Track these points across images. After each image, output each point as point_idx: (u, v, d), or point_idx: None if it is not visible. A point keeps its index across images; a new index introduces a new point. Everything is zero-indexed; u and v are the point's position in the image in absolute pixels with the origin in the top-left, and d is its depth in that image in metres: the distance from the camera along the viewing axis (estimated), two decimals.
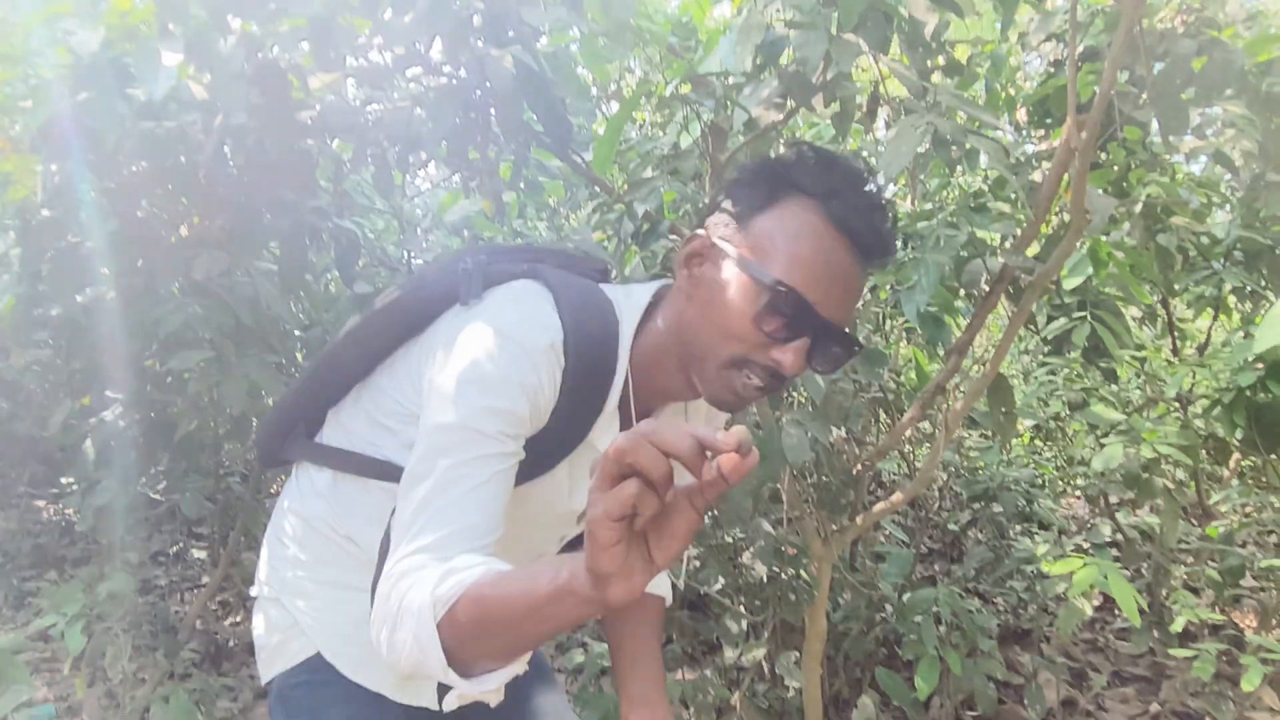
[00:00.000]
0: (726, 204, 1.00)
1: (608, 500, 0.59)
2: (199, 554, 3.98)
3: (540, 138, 1.72)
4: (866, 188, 0.97)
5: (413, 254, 2.73)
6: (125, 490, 2.36)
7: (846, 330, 0.97)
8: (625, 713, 1.24)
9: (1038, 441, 3.73)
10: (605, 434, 1.06)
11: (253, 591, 1.23)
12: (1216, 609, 2.91)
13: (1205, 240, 2.57)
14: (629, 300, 1.06)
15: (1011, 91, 2.50)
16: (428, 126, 1.57)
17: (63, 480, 4.41)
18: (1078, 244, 2.20)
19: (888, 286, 2.19)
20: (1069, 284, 2.55)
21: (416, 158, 1.72)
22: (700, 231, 1.01)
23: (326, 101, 1.70)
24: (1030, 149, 2.60)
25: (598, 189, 1.93)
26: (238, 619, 3.44)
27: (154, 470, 3.35)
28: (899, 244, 2.54)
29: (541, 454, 1.02)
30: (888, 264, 1.03)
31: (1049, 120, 2.43)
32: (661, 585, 1.35)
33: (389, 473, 1.08)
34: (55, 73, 1.44)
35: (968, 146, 1.51)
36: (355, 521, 1.12)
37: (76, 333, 1.99)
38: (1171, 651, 2.27)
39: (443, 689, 0.90)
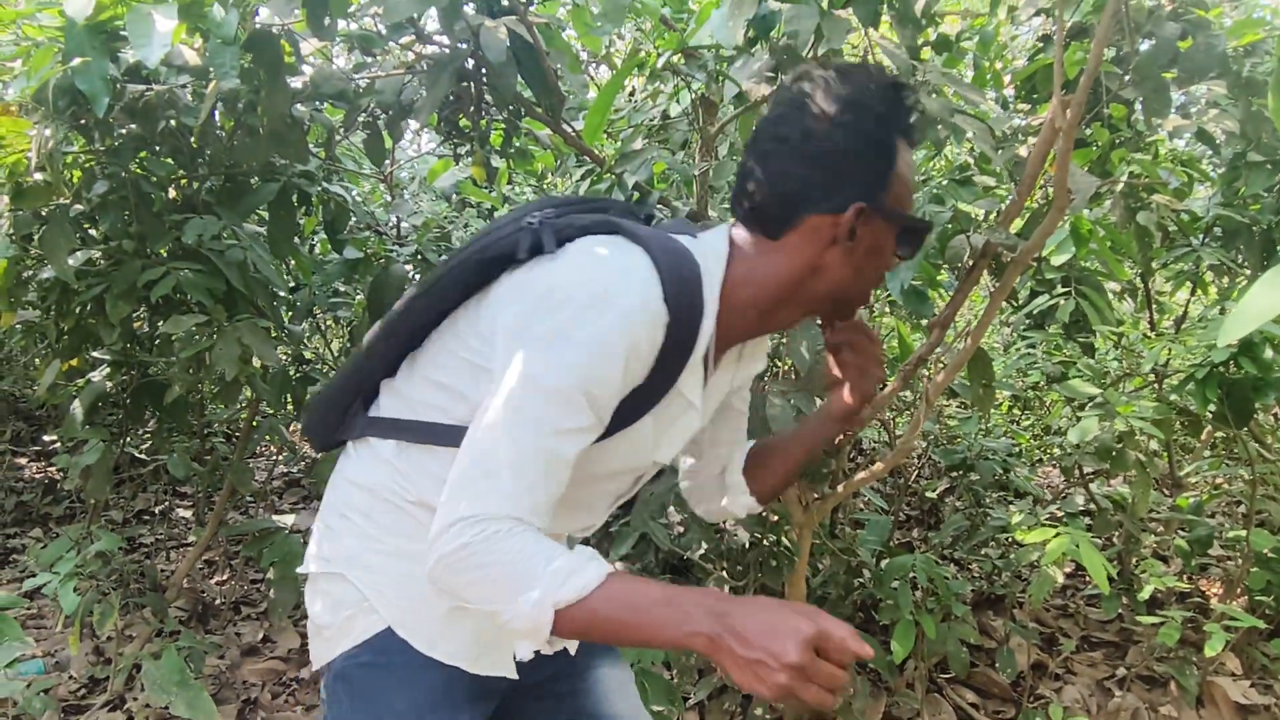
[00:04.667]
0: (859, 171, 1.02)
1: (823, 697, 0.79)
2: (184, 513, 4.00)
3: (532, 107, 1.73)
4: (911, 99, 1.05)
5: (401, 218, 2.73)
6: (111, 450, 2.37)
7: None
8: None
9: (1015, 411, 3.79)
10: (690, 382, 1.07)
11: (308, 568, 1.16)
12: (1184, 578, 3.00)
13: (1185, 217, 2.61)
14: (708, 249, 1.05)
15: (999, 66, 2.51)
16: (420, 94, 1.57)
17: (45, 438, 4.42)
18: (1060, 221, 2.23)
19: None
20: (1055, 260, 2.59)
21: (407, 125, 1.72)
22: (860, 204, 1.01)
23: (318, 67, 1.69)
24: (1018, 123, 2.62)
25: (587, 158, 1.94)
26: (224, 578, 3.48)
27: (139, 431, 3.37)
28: None
29: (630, 408, 1.02)
30: None
31: (1035, 95, 2.45)
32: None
33: (460, 438, 1.01)
34: (46, 35, 1.43)
35: (954, 124, 1.53)
36: (425, 486, 1.07)
37: (66, 295, 1.99)
38: (1139, 618, 2.34)
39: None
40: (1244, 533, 2.51)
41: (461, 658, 1.09)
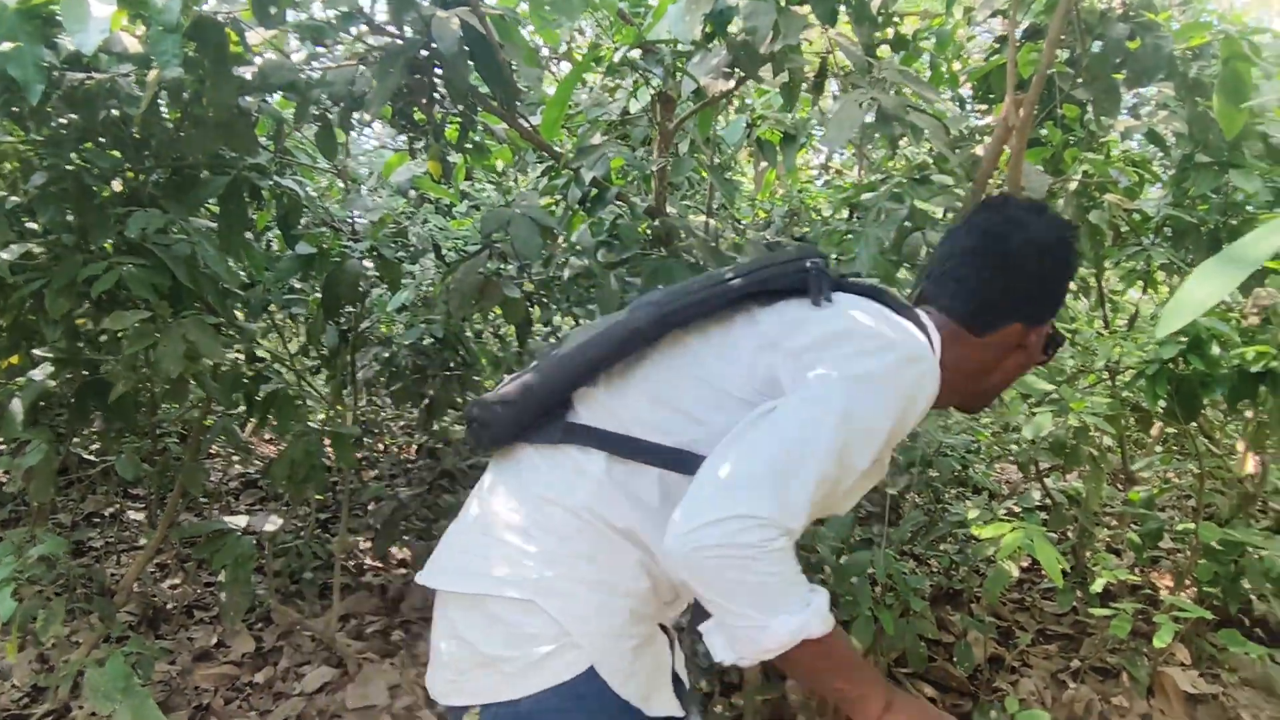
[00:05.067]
0: (1055, 294, 1.20)
1: None
2: (136, 515, 3.90)
3: (487, 100, 1.70)
4: None
5: (357, 214, 2.68)
6: (56, 451, 2.30)
7: None
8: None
9: None
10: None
11: (468, 586, 1.06)
12: (1135, 570, 3.05)
13: (1136, 217, 2.66)
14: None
15: (956, 67, 2.53)
16: (371, 86, 1.54)
17: None
18: None
19: (833, 257, 2.23)
20: None
21: (360, 117, 1.69)
22: (1052, 320, 1.21)
23: (266, 58, 1.65)
24: (975, 122, 2.65)
25: (545, 154, 1.91)
26: (176, 581, 3.40)
27: (87, 431, 3.28)
28: (845, 215, 2.58)
29: None
30: None
31: (991, 95, 2.48)
32: None
33: (680, 462, 1.03)
34: None
35: (909, 122, 1.54)
36: (630, 512, 1.03)
37: (3, 289, 1.92)
38: (1092, 611, 2.38)
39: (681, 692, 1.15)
40: (1193, 525, 2.56)
41: (640, 698, 1.05)
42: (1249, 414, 2.74)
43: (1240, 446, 2.94)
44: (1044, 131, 2.30)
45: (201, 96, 1.60)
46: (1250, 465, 2.87)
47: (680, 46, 1.73)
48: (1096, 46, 1.88)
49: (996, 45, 2.49)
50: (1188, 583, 2.72)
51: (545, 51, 2.79)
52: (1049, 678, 2.64)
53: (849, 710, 1.00)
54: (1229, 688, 2.52)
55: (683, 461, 1.03)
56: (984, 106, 2.64)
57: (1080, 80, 1.84)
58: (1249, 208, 2.54)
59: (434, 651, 1.11)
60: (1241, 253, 0.59)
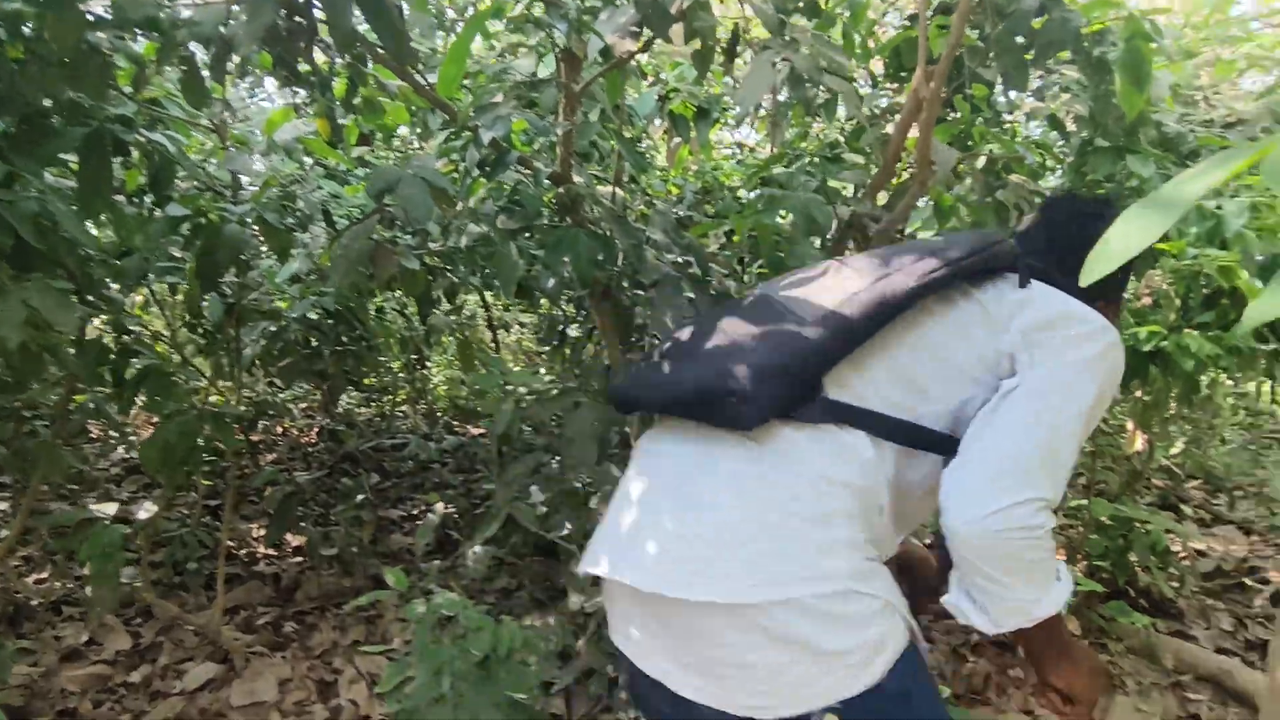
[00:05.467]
0: (1120, 278, 1.32)
1: None
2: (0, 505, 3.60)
3: (376, 50, 1.57)
4: None
5: (243, 178, 2.48)
6: None
7: None
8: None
9: None
10: None
11: (780, 593, 0.96)
12: None
13: (1039, 199, 2.71)
14: None
15: (870, 44, 2.51)
16: (245, 27, 1.39)
17: None
18: (924, 195, 2.26)
19: (746, 233, 2.18)
20: (921, 235, 2.63)
21: (232, 63, 1.54)
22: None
23: None
24: (884, 102, 2.64)
25: (443, 113, 1.79)
26: (42, 575, 3.14)
27: None
28: (757, 191, 2.54)
29: None
30: None
31: (903, 74, 2.47)
32: None
33: (912, 437, 1.07)
34: None
35: (823, 91, 1.49)
36: (886, 490, 1.05)
37: None
38: None
39: None
40: (1085, 502, 2.64)
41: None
42: (1138, 393, 2.84)
43: (1129, 425, 3.05)
44: (956, 114, 2.30)
45: (43, 31, 1.42)
46: (1138, 443, 2.97)
47: (587, 2, 1.64)
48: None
49: (908, 23, 2.48)
50: (1079, 557, 2.80)
51: (450, 14, 2.65)
52: (949, 652, 2.68)
53: (1044, 659, 1.10)
54: (1115, 656, 2.61)
55: (914, 436, 1.06)
56: (894, 86, 2.64)
57: (990, 56, 1.83)
58: (1142, 193, 2.61)
59: (729, 668, 0.99)
60: (1171, 195, 0.54)
